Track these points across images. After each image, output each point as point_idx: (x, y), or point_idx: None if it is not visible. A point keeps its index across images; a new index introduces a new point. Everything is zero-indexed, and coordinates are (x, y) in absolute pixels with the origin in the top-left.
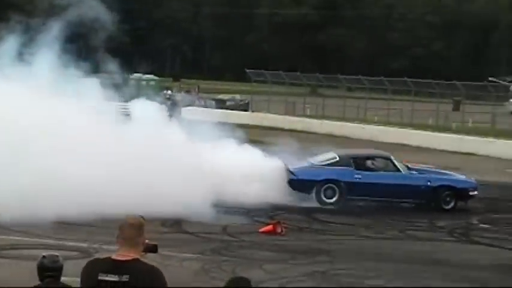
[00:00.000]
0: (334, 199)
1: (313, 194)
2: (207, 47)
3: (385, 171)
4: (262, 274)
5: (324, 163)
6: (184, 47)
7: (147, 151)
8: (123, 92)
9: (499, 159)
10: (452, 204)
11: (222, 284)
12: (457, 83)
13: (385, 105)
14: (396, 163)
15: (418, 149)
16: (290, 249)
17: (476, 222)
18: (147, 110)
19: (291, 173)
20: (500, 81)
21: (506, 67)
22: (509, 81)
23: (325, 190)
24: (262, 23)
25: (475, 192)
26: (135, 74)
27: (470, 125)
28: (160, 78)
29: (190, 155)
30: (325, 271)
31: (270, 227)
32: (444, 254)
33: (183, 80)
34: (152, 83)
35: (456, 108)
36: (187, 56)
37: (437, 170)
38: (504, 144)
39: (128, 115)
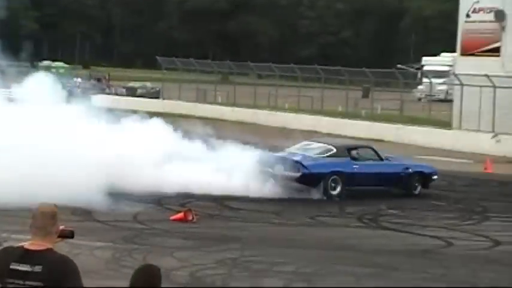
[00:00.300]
0: (337, 191)
1: (321, 187)
2: (117, 34)
3: (372, 160)
4: (173, 262)
5: (323, 155)
6: (94, 34)
7: (37, 136)
8: (9, 77)
9: (407, 145)
10: (419, 189)
11: (132, 272)
12: (366, 70)
13: (296, 92)
14: (378, 152)
15: (329, 136)
16: (201, 236)
17: (384, 207)
18: (34, 94)
19: (304, 166)
20: (408, 68)
21: (414, 54)
22: (417, 69)
23: (330, 182)
24: (173, 10)
25: (436, 177)
26: (44, 61)
27: (379, 111)
28: (70, 66)
29: (86, 140)
30: (236, 258)
31: (181, 215)
32: (354, 239)
33: (93, 67)
34: (61, 70)
35: (365, 95)
36: (96, 43)
37: (397, 156)
38: (412, 131)
39: (12, 100)
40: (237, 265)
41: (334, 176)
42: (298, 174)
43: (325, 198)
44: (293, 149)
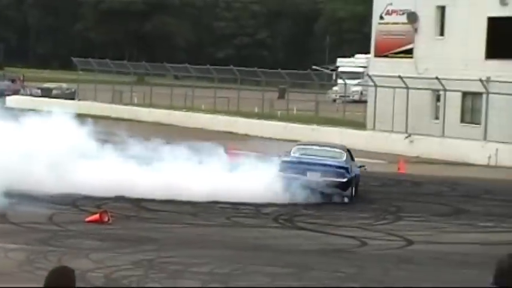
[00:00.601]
0: (353, 193)
1: (350, 190)
2: (33, 35)
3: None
4: (88, 263)
5: (341, 159)
6: (9, 34)
7: None
8: None
9: None
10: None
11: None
12: (282, 71)
13: (212, 93)
14: (351, 153)
15: (245, 137)
16: (117, 238)
17: (300, 208)
18: None
19: (348, 172)
20: (323, 70)
21: (329, 56)
22: (332, 70)
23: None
24: (89, 11)
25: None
26: None
27: (294, 112)
28: None
29: None
30: (153, 259)
31: (96, 216)
32: (269, 239)
33: (7, 68)
34: None
35: (281, 96)
36: (11, 44)
37: None
38: (327, 131)
39: None
40: (153, 266)
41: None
42: (344, 180)
43: (347, 201)
44: (298, 154)
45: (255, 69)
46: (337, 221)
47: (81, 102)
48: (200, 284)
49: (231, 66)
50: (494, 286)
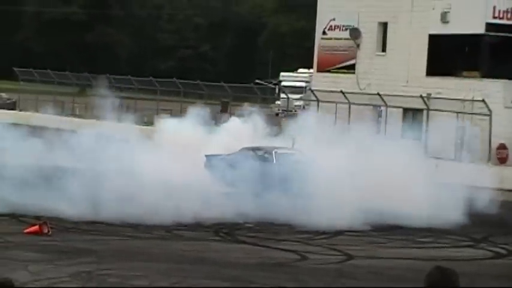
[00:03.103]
0: None
1: None
2: None
3: None
4: (26, 275)
5: None
6: None
7: None
8: None
9: None
10: None
11: None
12: (225, 84)
13: (155, 105)
14: None
15: None
16: (56, 249)
17: (241, 221)
18: None
19: None
20: (266, 84)
21: (272, 70)
22: (275, 84)
23: None
24: (30, 21)
25: None
26: None
27: None
28: None
29: None
30: (92, 271)
31: (36, 227)
32: (210, 253)
33: None
34: None
35: (224, 109)
36: None
37: None
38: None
39: None
40: (92, 278)
41: None
42: None
43: None
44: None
45: (198, 82)
46: (278, 235)
47: (21, 113)
48: None
49: (174, 79)
50: None
